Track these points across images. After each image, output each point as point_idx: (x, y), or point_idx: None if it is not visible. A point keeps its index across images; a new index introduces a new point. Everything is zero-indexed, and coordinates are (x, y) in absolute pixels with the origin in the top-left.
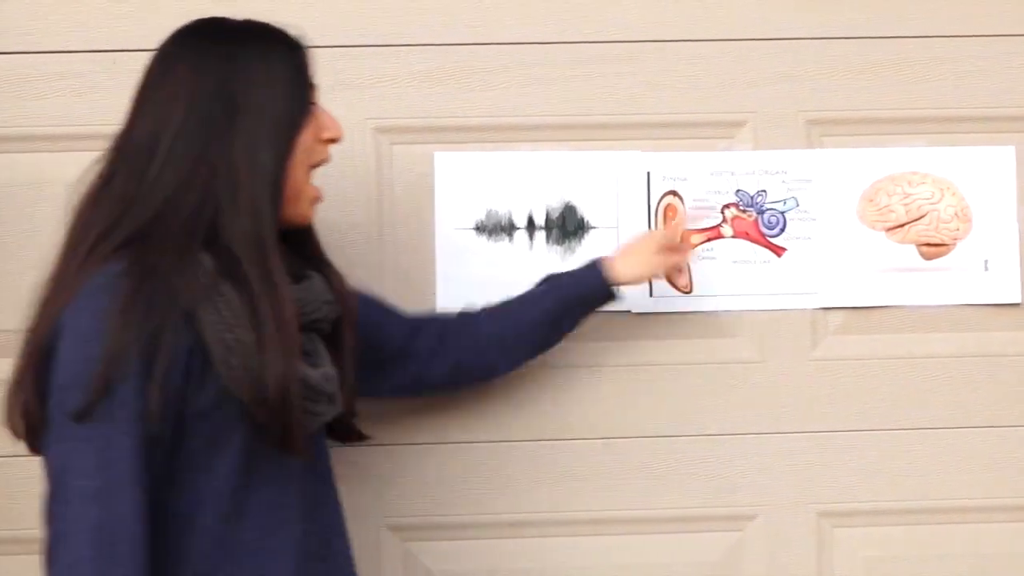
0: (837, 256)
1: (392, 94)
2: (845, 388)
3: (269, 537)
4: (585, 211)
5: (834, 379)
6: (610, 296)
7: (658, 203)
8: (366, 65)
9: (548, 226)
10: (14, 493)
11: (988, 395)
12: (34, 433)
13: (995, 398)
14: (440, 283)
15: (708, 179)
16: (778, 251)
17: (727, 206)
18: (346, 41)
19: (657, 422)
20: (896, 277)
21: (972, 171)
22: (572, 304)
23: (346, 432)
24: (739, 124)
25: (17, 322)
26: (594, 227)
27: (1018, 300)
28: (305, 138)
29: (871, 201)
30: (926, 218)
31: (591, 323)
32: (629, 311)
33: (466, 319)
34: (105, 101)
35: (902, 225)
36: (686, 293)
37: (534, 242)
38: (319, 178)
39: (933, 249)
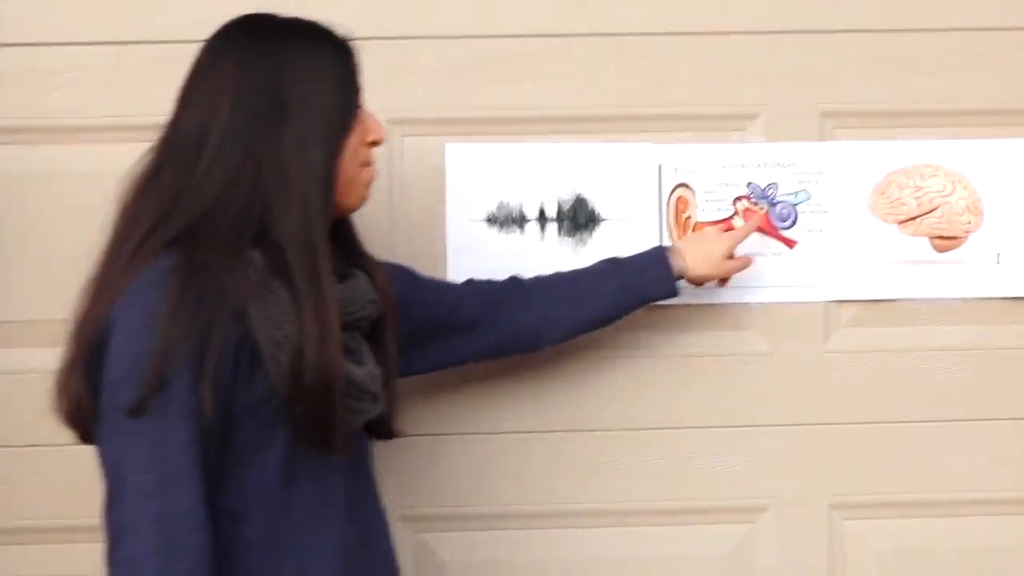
0: (849, 249)
1: (404, 86)
2: (857, 381)
3: (311, 534)
4: (596, 203)
5: (846, 372)
6: (673, 294)
7: (669, 195)
8: (378, 57)
9: (559, 218)
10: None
11: (1000, 387)
12: (86, 425)
13: (1007, 390)
14: (451, 274)
15: (720, 171)
16: (790, 243)
17: (739, 198)
18: (358, 33)
19: (668, 414)
20: (908, 270)
21: (984, 164)
22: (632, 296)
23: (385, 430)
24: (751, 116)
25: (29, 312)
26: (605, 219)
27: None
28: (353, 139)
29: (883, 194)
30: (938, 211)
31: None
32: None
33: (517, 290)
34: (114, 93)
35: (914, 218)
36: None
37: (545, 234)
38: None
39: (945, 242)
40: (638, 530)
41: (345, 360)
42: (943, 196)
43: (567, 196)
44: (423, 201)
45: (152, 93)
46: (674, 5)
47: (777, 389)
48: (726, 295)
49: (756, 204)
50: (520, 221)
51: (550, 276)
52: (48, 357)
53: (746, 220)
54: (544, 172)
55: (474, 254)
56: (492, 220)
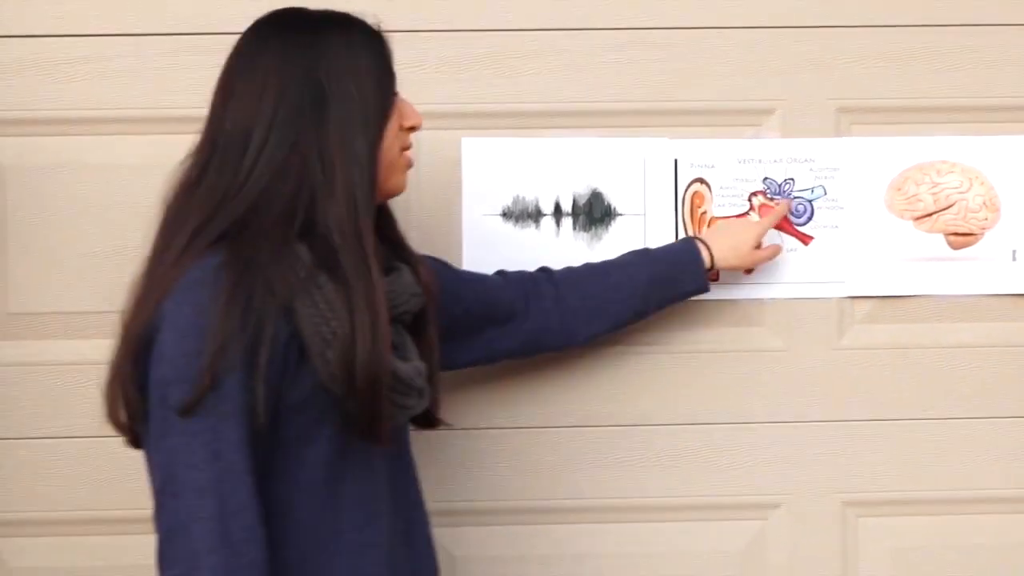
0: (864, 245)
1: (420, 80)
2: (871, 377)
3: (359, 530)
4: (612, 198)
5: (860, 368)
6: (704, 287)
7: (685, 190)
8: (394, 51)
9: (575, 213)
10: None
11: (1015, 385)
12: (135, 426)
13: (1023, 388)
14: (467, 269)
15: (736, 167)
16: (805, 239)
17: (754, 194)
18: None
19: (682, 410)
20: (923, 266)
21: (1001, 160)
22: (663, 289)
23: (428, 420)
24: (768, 112)
25: (45, 304)
26: (621, 214)
27: None
28: (392, 127)
29: (899, 190)
30: (954, 207)
31: None
32: None
33: (548, 284)
34: (131, 84)
35: (930, 214)
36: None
37: (561, 229)
38: None
39: (961, 238)
40: (650, 526)
41: (393, 355)
42: (960, 192)
43: (583, 191)
44: (439, 195)
45: (168, 85)
46: (692, 0)
47: (791, 385)
48: (740, 291)
49: (772, 200)
50: (536, 216)
51: (580, 269)
52: (58, 349)
53: (761, 216)
54: (560, 167)
55: (489, 249)
56: (508, 214)
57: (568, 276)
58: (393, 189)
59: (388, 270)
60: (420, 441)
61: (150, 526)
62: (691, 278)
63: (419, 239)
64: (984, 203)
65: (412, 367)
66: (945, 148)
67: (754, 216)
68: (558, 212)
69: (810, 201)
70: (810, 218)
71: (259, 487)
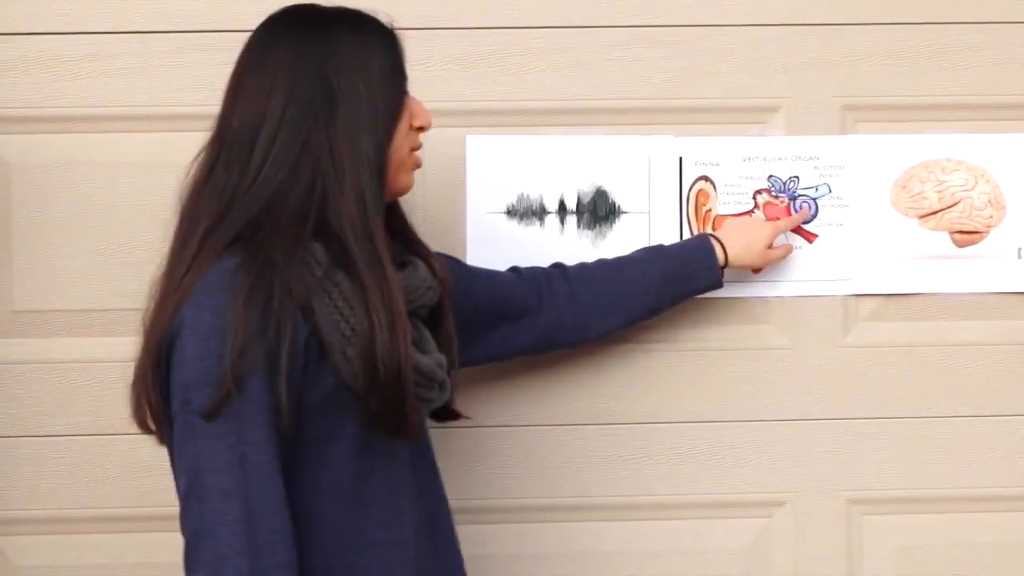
0: (869, 243)
1: (425, 77)
2: (876, 375)
3: (384, 528)
4: (616, 196)
5: (865, 366)
6: (718, 284)
7: (690, 188)
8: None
9: (579, 211)
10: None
11: (1020, 383)
12: (160, 429)
13: None
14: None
15: (740, 164)
16: (810, 237)
17: (759, 192)
18: None
19: (686, 407)
20: (928, 264)
21: (1006, 158)
22: (677, 286)
23: (447, 413)
24: (772, 109)
25: (49, 302)
26: (625, 212)
27: None
28: (402, 126)
29: (904, 188)
30: (959, 205)
31: None
32: None
33: (561, 281)
34: (136, 82)
35: (935, 212)
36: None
37: (565, 227)
38: None
39: (966, 236)
40: (656, 523)
41: (414, 349)
42: (965, 190)
43: (587, 188)
44: (443, 193)
45: (173, 83)
46: None
47: (796, 383)
48: (745, 289)
49: (776, 197)
50: (540, 213)
51: (594, 265)
52: (62, 346)
53: (766, 214)
54: (564, 164)
55: (494, 246)
56: (512, 212)
57: (581, 272)
58: (401, 188)
59: (402, 265)
60: None
61: (153, 524)
62: (705, 275)
63: (423, 236)
64: (989, 201)
65: (433, 359)
66: (950, 146)
67: (759, 214)
68: (563, 210)
69: (815, 199)
70: (815, 216)
71: (286, 489)
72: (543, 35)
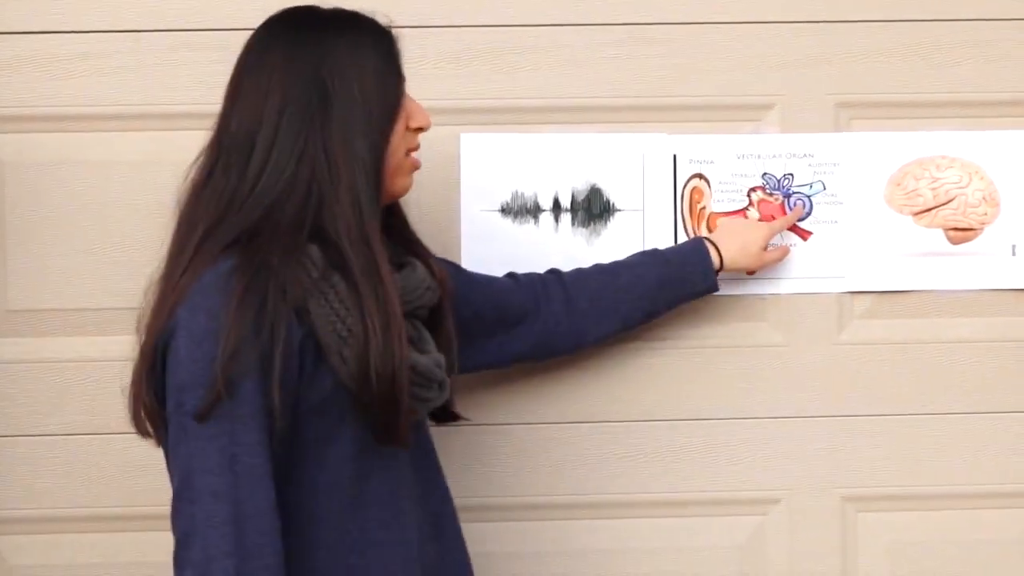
0: (864, 240)
1: (419, 75)
2: (870, 373)
3: (386, 529)
4: (611, 194)
5: (860, 363)
6: (714, 288)
7: (684, 186)
8: None
9: (574, 208)
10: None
11: (1015, 380)
12: (157, 431)
13: (1022, 383)
14: (465, 265)
15: (735, 162)
16: (804, 235)
17: (753, 189)
18: None
19: (682, 405)
20: (923, 262)
21: (1001, 155)
22: (673, 291)
23: (446, 414)
24: (767, 107)
25: (44, 301)
26: (620, 210)
27: None
28: (399, 128)
29: (898, 185)
30: (954, 202)
31: None
32: None
33: (557, 286)
34: (129, 81)
35: (929, 209)
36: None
37: (560, 224)
38: None
39: (960, 234)
40: (651, 521)
41: (410, 349)
42: (959, 187)
43: (581, 187)
44: (437, 191)
45: (167, 81)
46: None
47: (790, 381)
48: (741, 287)
49: (771, 195)
50: (534, 211)
51: (590, 270)
52: (56, 346)
53: (760, 211)
54: (559, 162)
55: (488, 244)
56: (506, 210)
57: (578, 278)
58: (398, 191)
59: (400, 266)
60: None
61: (147, 523)
62: (701, 279)
63: (418, 235)
64: (984, 198)
65: (431, 359)
66: (944, 143)
67: (753, 212)
68: (557, 208)
69: (809, 196)
70: (809, 213)
71: (280, 491)
72: (537, 33)
